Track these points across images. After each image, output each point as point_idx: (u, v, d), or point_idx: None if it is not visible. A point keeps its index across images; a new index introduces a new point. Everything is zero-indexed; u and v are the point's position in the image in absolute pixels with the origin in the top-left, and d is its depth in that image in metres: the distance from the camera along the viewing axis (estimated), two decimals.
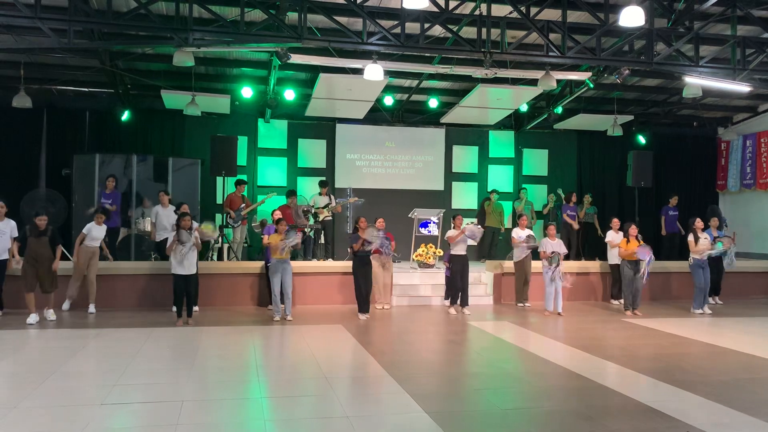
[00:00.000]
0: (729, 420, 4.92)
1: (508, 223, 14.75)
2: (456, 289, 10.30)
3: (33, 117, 12.91)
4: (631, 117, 14.99)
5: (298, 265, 10.36)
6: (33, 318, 8.59)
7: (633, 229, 10.34)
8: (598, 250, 12.82)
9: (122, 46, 10.84)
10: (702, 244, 10.51)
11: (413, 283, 11.39)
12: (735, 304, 11.61)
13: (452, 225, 10.45)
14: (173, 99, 12.66)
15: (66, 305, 9.69)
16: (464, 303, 10.23)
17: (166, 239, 10.33)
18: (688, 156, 16.37)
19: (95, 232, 9.59)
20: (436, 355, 7.62)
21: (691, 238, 10.62)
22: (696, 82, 10.80)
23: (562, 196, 14.17)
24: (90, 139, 13.43)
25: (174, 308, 9.09)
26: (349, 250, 9.94)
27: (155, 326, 8.60)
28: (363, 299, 9.66)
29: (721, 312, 10.55)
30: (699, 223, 10.62)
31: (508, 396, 5.74)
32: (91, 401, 5.17)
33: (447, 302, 10.65)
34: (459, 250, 10.23)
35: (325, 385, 5.82)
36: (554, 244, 10.34)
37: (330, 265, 11.21)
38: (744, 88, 10.82)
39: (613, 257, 11.05)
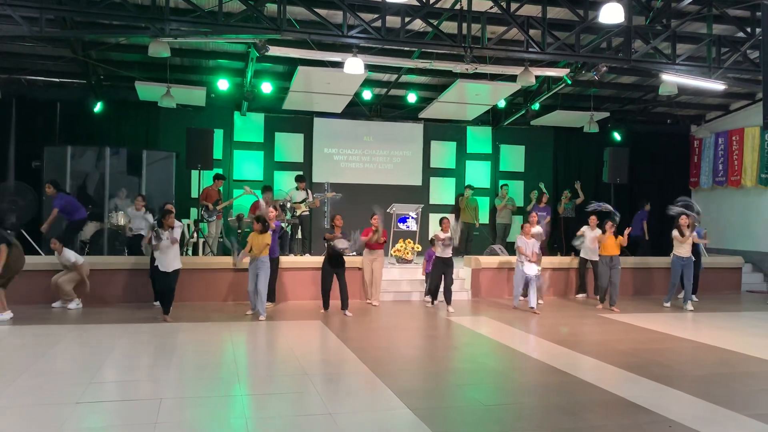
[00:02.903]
0: (709, 414, 4.97)
1: (483, 219, 14.82)
2: (436, 286, 10.25)
3: (1, 108, 12.54)
4: (607, 114, 15.14)
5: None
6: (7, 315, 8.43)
7: (609, 224, 10.45)
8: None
9: (95, 35, 10.58)
10: (688, 239, 10.61)
11: (392, 278, 11.35)
12: (708, 299, 11.79)
13: (440, 228, 10.23)
14: (148, 91, 12.41)
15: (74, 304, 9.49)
16: (448, 301, 10.11)
17: (138, 235, 10.21)
18: (662, 153, 16.57)
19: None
20: (416, 350, 7.59)
21: (676, 233, 10.69)
22: (672, 79, 10.94)
23: (545, 192, 14.19)
24: (61, 130, 13.08)
25: (156, 303, 9.05)
26: (325, 245, 9.78)
27: (132, 322, 8.43)
28: (326, 296, 9.61)
29: (696, 307, 10.69)
30: (684, 219, 10.66)
31: (490, 391, 5.74)
32: (65, 400, 5.02)
33: (427, 298, 10.65)
34: (445, 253, 10.11)
35: (306, 381, 5.74)
36: (530, 244, 10.37)
37: (307, 260, 11.11)
38: (719, 86, 10.96)
39: (586, 252, 11.19)
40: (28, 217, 11.36)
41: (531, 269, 10.19)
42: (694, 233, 10.79)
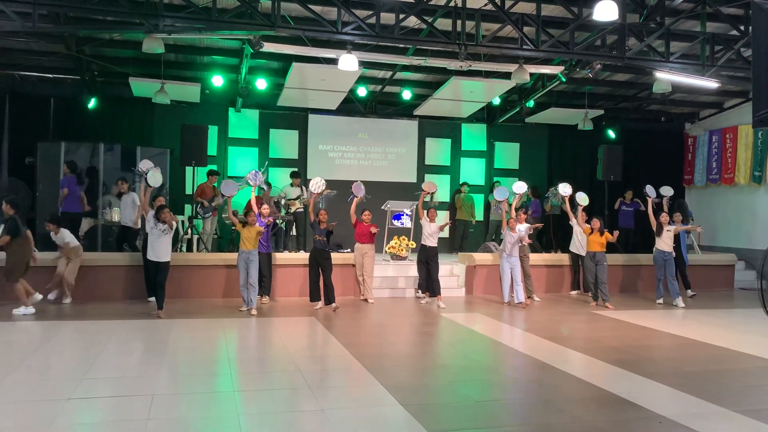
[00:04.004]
0: (700, 410, 4.99)
1: (479, 216, 14.87)
2: (422, 277, 10.36)
3: None
4: (602, 111, 15.17)
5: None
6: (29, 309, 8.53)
7: (595, 222, 10.46)
8: (568, 242, 12.92)
9: (89, 31, 10.54)
10: (666, 236, 10.67)
11: (388, 275, 11.38)
12: (701, 296, 11.81)
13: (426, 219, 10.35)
14: (142, 87, 12.39)
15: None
16: (436, 292, 10.10)
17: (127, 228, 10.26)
18: (656, 150, 16.59)
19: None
20: (409, 347, 7.61)
21: (655, 229, 10.80)
22: (666, 77, 10.97)
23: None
24: (55, 126, 13.04)
25: (151, 298, 9.07)
26: (317, 237, 9.75)
27: (125, 318, 8.43)
28: (314, 288, 9.60)
29: (689, 304, 10.75)
30: (664, 217, 10.77)
31: (481, 387, 5.76)
32: (57, 396, 5.02)
33: (420, 294, 10.72)
34: (430, 241, 10.18)
35: (299, 377, 5.75)
36: (515, 236, 10.39)
37: (301, 256, 11.08)
38: (712, 84, 11.01)
39: (575, 246, 11.23)
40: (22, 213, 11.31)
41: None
42: (673, 227, 10.86)
